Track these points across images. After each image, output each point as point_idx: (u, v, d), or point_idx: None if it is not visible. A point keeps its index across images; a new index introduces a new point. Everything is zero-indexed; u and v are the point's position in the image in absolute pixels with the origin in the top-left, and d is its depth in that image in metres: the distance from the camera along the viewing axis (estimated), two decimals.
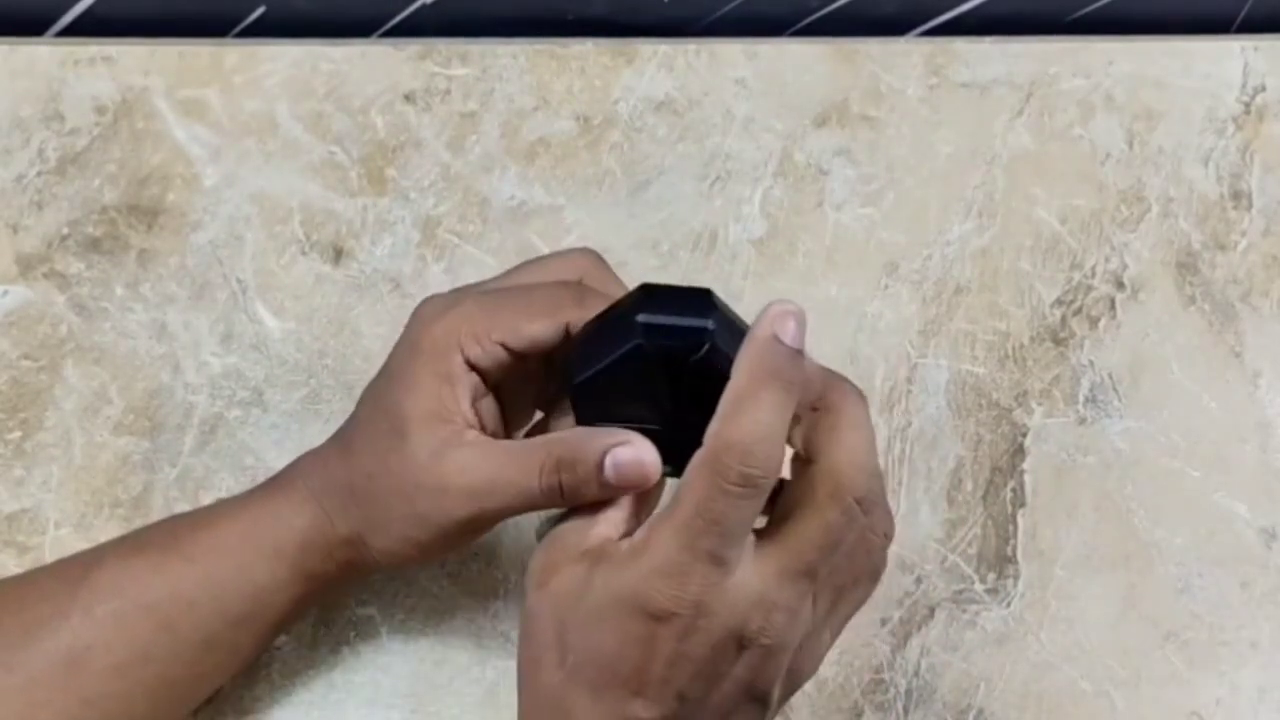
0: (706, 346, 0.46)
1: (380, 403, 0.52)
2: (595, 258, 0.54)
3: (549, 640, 0.46)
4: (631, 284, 0.50)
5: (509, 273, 0.54)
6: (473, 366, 0.51)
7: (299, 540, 0.52)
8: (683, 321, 0.47)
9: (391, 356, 0.53)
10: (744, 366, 0.44)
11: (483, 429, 0.52)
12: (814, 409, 0.47)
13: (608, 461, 0.48)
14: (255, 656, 0.56)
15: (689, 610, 0.44)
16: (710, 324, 0.46)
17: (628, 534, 0.47)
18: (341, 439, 0.54)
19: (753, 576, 0.45)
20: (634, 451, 0.48)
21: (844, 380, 0.48)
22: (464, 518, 0.50)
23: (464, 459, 0.50)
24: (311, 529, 0.52)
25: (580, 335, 0.50)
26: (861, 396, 0.47)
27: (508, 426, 0.54)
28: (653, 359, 0.47)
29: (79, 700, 0.50)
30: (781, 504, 0.46)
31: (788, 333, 0.44)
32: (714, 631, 0.45)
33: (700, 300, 0.48)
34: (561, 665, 0.46)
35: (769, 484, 0.44)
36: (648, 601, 0.44)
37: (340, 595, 0.60)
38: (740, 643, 0.45)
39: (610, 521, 0.48)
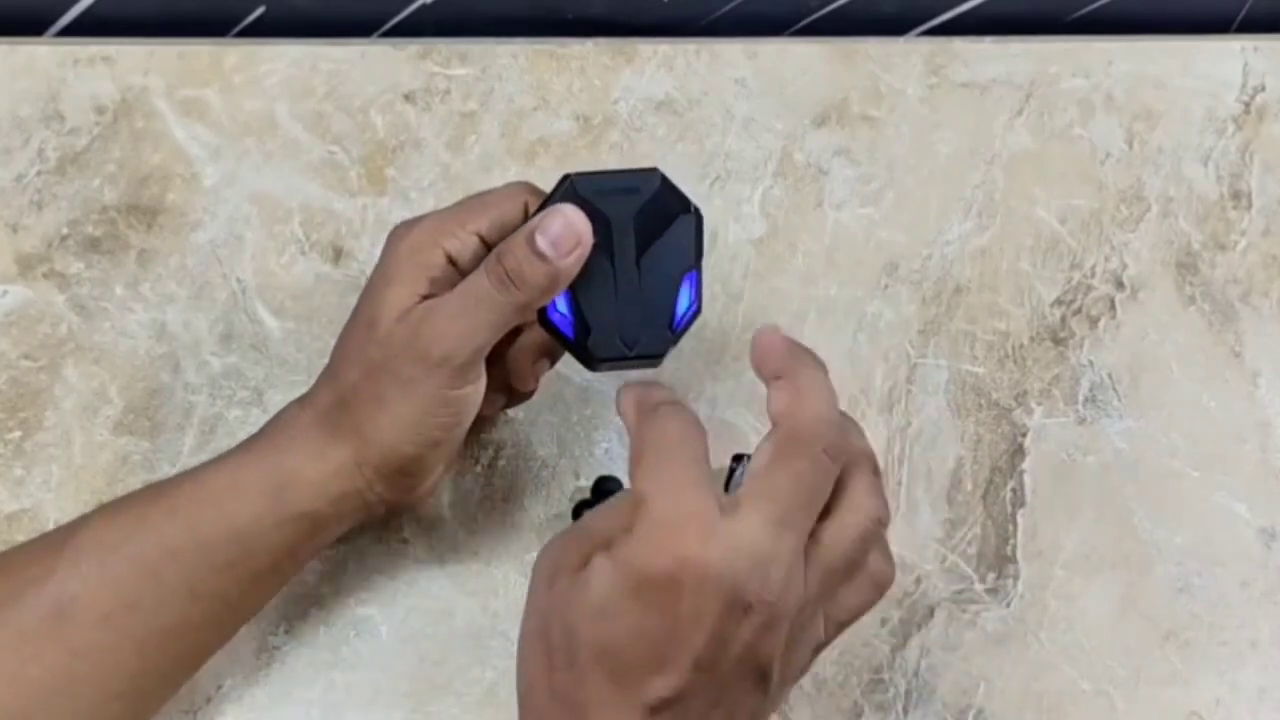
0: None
1: (357, 314, 0.55)
2: (532, 185, 0.56)
3: (557, 643, 0.46)
4: None
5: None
6: (451, 260, 0.53)
7: (284, 479, 0.53)
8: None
9: (370, 276, 0.55)
10: (776, 354, 0.49)
11: None
12: (776, 378, 0.49)
13: (537, 235, 0.51)
14: (248, 610, 0.56)
15: (697, 573, 0.45)
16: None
17: None
18: (324, 373, 0.56)
19: (743, 530, 0.46)
20: (560, 217, 0.52)
21: (803, 350, 0.50)
22: (441, 354, 0.52)
23: (431, 307, 0.53)
24: (298, 465, 0.53)
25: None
26: (819, 363, 0.50)
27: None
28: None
29: (68, 652, 0.51)
30: (753, 467, 0.48)
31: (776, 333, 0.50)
32: (722, 591, 0.45)
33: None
34: (573, 665, 0.46)
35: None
36: (651, 566, 0.45)
37: (334, 542, 0.60)
38: (744, 606, 0.45)
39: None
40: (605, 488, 0.61)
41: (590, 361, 0.55)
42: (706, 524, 0.45)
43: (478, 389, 0.54)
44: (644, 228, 0.54)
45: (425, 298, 0.53)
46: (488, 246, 0.54)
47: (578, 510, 0.61)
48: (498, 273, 0.52)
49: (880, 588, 0.49)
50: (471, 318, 0.52)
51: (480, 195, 0.56)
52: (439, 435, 0.54)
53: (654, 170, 0.55)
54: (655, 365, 0.55)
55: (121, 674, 0.52)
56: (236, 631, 0.56)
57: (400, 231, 0.55)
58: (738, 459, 0.60)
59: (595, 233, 0.53)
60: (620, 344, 0.55)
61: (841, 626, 0.49)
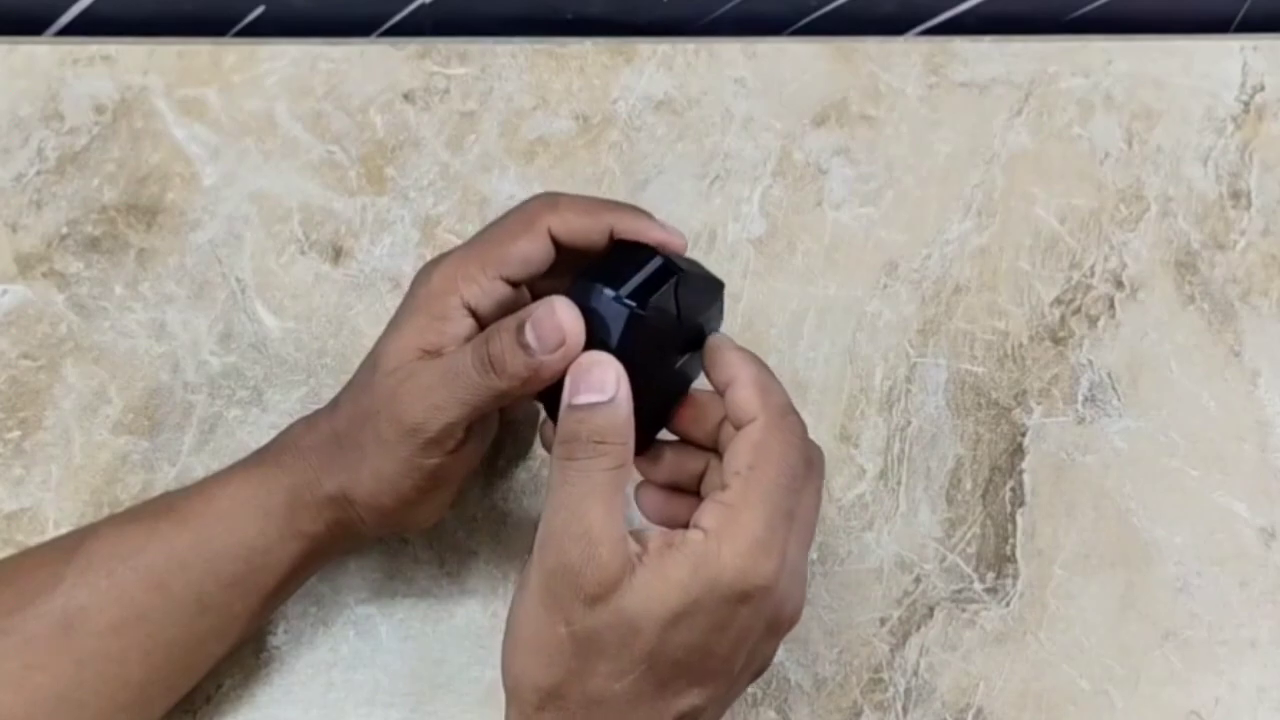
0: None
1: (369, 356, 0.54)
2: (550, 195, 0.54)
3: (616, 647, 0.45)
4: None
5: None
6: (471, 311, 0.52)
7: (287, 498, 0.53)
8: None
9: (396, 310, 0.54)
10: (733, 360, 0.50)
11: None
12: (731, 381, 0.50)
13: (527, 326, 0.49)
14: (253, 623, 0.56)
15: (774, 579, 0.46)
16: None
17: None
18: (336, 397, 0.55)
19: (793, 552, 0.47)
20: (551, 314, 0.49)
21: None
22: (412, 423, 0.51)
23: (416, 369, 0.51)
24: (299, 486, 0.53)
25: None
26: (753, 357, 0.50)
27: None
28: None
29: (74, 661, 0.51)
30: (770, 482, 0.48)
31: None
32: (771, 611, 0.47)
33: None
34: (621, 671, 0.45)
35: None
36: (745, 582, 0.45)
37: (339, 558, 0.60)
38: (783, 624, 0.48)
39: (618, 519, 0.47)
40: None
41: None
42: (784, 550, 0.46)
43: (460, 458, 0.53)
44: (693, 337, 0.53)
45: (431, 352, 0.52)
46: (515, 286, 0.52)
47: None
48: (481, 355, 0.50)
49: (813, 460, 0.50)
50: (447, 393, 0.50)
51: (500, 227, 0.53)
52: (416, 496, 0.53)
53: (721, 285, 0.53)
54: None
55: (128, 684, 0.52)
56: (242, 643, 0.56)
57: (423, 274, 0.53)
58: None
59: (663, 333, 0.51)
60: None
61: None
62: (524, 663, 0.47)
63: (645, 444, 0.53)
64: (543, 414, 0.56)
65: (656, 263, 0.51)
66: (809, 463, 0.48)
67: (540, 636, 0.46)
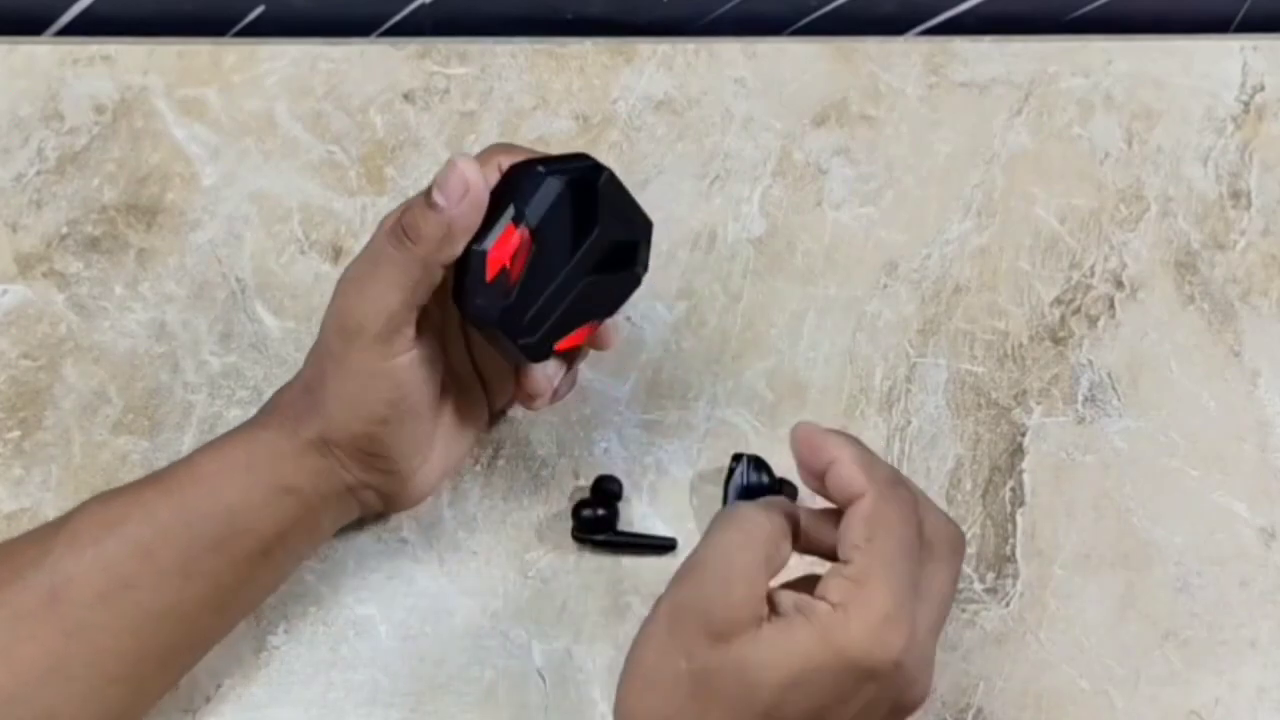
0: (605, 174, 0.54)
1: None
2: (506, 143, 0.56)
3: (733, 697, 0.46)
4: None
5: None
6: None
7: (268, 452, 0.54)
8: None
9: None
10: (830, 442, 0.49)
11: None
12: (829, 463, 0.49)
13: (434, 188, 0.51)
14: (245, 596, 0.56)
15: (903, 655, 0.45)
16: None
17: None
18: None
19: (924, 634, 0.47)
20: (450, 167, 0.51)
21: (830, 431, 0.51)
22: (355, 323, 0.52)
23: (347, 276, 0.53)
24: (279, 439, 0.54)
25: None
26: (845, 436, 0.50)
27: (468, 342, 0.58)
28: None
29: (62, 632, 0.51)
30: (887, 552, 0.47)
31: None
32: (898, 689, 0.47)
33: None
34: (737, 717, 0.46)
35: None
36: (872, 657, 0.45)
37: (331, 537, 0.60)
38: (906, 708, 0.48)
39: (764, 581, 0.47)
40: (605, 488, 0.61)
41: (478, 318, 0.54)
42: (912, 626, 0.46)
43: (413, 361, 0.54)
44: (610, 258, 0.55)
45: None
46: None
47: (577, 510, 0.61)
48: (395, 231, 0.52)
49: (954, 540, 0.50)
50: (374, 281, 0.52)
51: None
52: (384, 411, 0.54)
53: (649, 224, 0.56)
54: (515, 361, 0.56)
55: (118, 656, 0.52)
56: (234, 622, 0.56)
57: (385, 218, 0.54)
58: (737, 459, 0.60)
59: (577, 230, 0.53)
60: (519, 327, 0.54)
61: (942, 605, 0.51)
62: (640, 693, 0.47)
63: (541, 350, 0.55)
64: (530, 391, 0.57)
65: (588, 162, 0.54)
66: (922, 536, 0.48)
67: (659, 668, 0.47)
